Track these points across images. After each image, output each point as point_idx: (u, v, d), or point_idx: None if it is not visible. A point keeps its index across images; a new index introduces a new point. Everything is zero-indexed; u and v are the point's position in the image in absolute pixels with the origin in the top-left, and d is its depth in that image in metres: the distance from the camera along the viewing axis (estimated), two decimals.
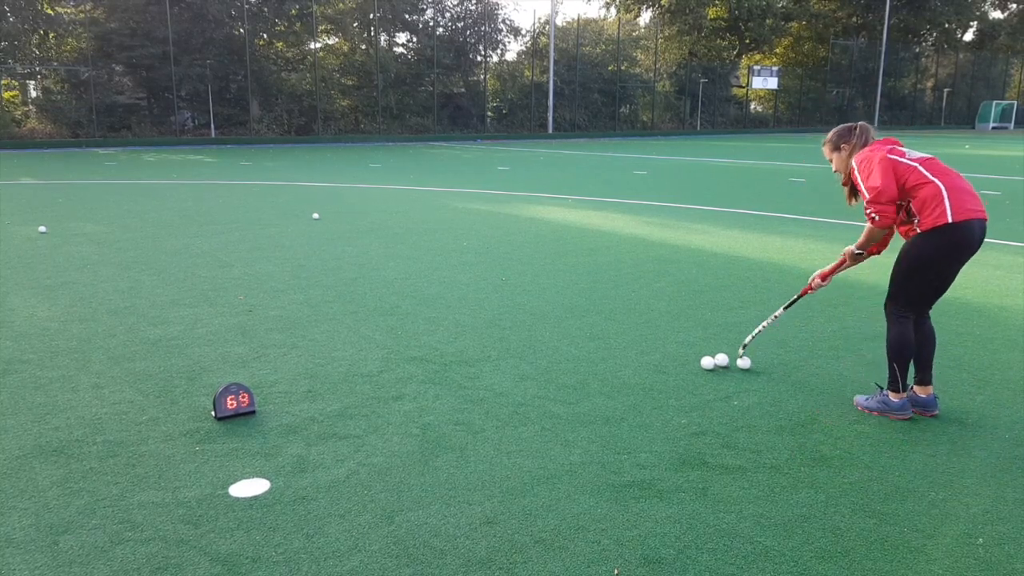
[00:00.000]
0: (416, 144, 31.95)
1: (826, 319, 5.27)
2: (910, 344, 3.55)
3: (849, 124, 3.72)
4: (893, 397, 3.58)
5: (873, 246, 3.70)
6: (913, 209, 3.43)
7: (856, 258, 3.75)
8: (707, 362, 4.25)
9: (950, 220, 3.32)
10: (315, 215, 10.17)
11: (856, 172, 3.52)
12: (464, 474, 3.04)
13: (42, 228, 9.03)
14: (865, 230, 3.57)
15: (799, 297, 4.17)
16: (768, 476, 3.03)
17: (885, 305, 3.65)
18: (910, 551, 2.53)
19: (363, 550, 2.53)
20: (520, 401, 3.80)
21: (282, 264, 7.12)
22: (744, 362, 4.26)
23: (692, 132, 44.29)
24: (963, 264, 3.49)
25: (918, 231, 3.42)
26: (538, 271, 6.85)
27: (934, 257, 3.42)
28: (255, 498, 2.86)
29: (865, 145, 3.59)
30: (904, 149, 3.53)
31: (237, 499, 2.85)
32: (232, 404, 3.55)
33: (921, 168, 3.42)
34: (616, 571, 2.41)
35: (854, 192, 3.68)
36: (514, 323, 5.17)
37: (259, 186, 14.47)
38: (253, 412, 3.62)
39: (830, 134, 3.74)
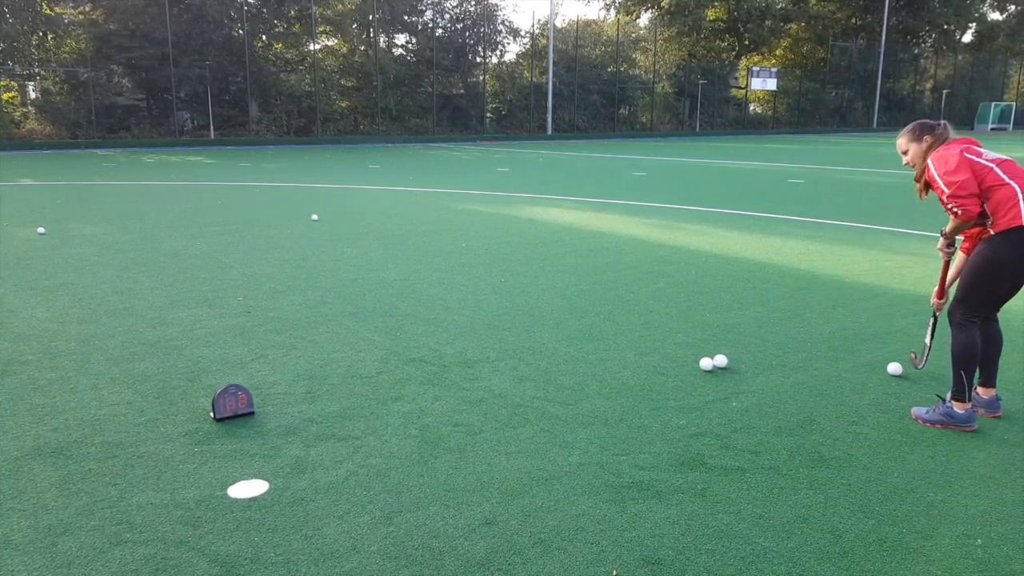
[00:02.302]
0: (415, 145, 31.95)
1: (824, 320, 5.27)
2: (978, 350, 3.49)
3: (930, 120, 3.69)
4: (958, 408, 3.48)
5: (965, 243, 3.65)
6: (987, 210, 3.38)
7: (948, 245, 3.70)
8: (706, 363, 4.25)
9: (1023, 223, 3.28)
10: (314, 216, 10.17)
11: (932, 168, 3.47)
12: (463, 475, 3.04)
13: (41, 229, 9.02)
14: (952, 222, 3.51)
15: (935, 321, 4.07)
16: (767, 477, 3.04)
17: (950, 311, 3.56)
18: (909, 552, 2.53)
19: (362, 551, 2.53)
20: (519, 402, 3.80)
21: (281, 265, 7.12)
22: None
23: (691, 133, 44.31)
24: None
25: (991, 233, 3.38)
26: (537, 272, 6.85)
27: (1006, 259, 3.36)
28: (254, 499, 2.85)
29: (944, 143, 3.55)
30: (981, 150, 3.49)
31: (236, 500, 2.85)
32: (231, 405, 3.55)
33: (997, 169, 3.38)
34: (615, 572, 2.41)
35: (928, 187, 3.63)
36: (513, 324, 5.17)
37: (258, 187, 14.47)
38: (252, 413, 3.62)
39: (910, 126, 3.70)
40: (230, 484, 2.96)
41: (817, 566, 2.45)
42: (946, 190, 3.38)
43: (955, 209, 3.37)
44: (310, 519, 2.72)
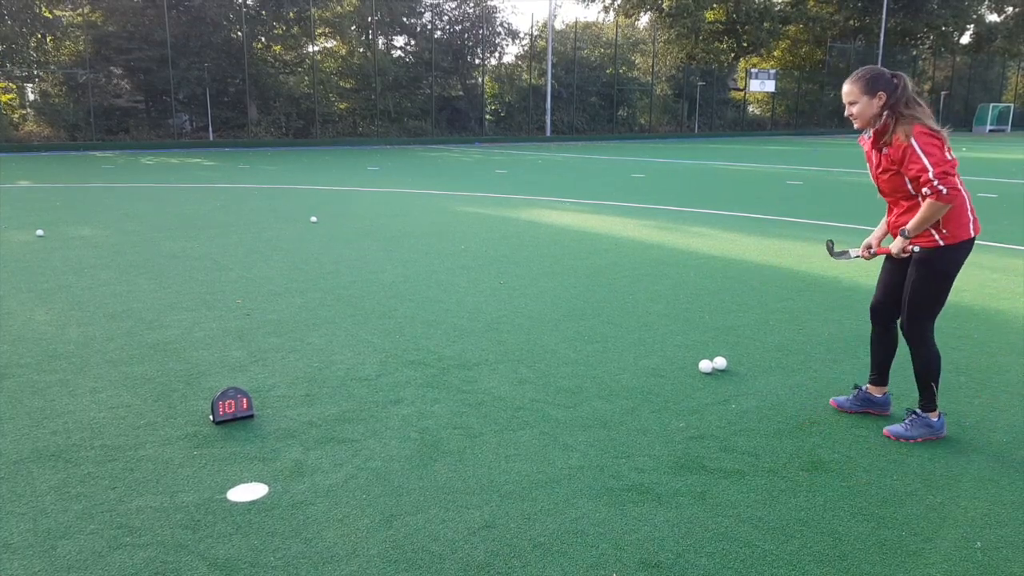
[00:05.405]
0: (414, 147, 31.95)
1: (823, 322, 5.27)
2: (940, 359, 3.44)
3: (887, 71, 3.23)
4: (933, 417, 3.42)
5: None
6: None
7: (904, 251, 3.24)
8: (705, 365, 4.25)
9: (972, 235, 3.23)
10: (313, 218, 10.17)
11: (915, 144, 3.09)
12: (462, 478, 3.04)
13: (39, 232, 9.02)
14: (926, 207, 3.10)
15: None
16: (766, 480, 3.04)
17: (907, 330, 3.39)
18: (908, 555, 2.53)
19: (361, 555, 2.53)
20: (518, 405, 3.80)
21: (280, 267, 7.12)
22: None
23: (690, 135, 44.33)
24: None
25: (942, 243, 3.21)
26: (536, 274, 6.85)
27: (955, 271, 3.28)
28: (253, 503, 2.85)
29: (907, 106, 3.15)
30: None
31: (235, 504, 2.84)
32: (230, 408, 3.55)
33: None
34: (614, 575, 2.41)
35: (891, 162, 3.21)
36: (512, 326, 5.17)
37: (257, 189, 14.47)
38: (251, 416, 3.62)
39: (862, 71, 3.29)
40: (230, 487, 2.96)
41: (817, 569, 2.45)
42: (934, 168, 3.04)
43: (941, 187, 3.03)
44: (310, 522, 2.72)
